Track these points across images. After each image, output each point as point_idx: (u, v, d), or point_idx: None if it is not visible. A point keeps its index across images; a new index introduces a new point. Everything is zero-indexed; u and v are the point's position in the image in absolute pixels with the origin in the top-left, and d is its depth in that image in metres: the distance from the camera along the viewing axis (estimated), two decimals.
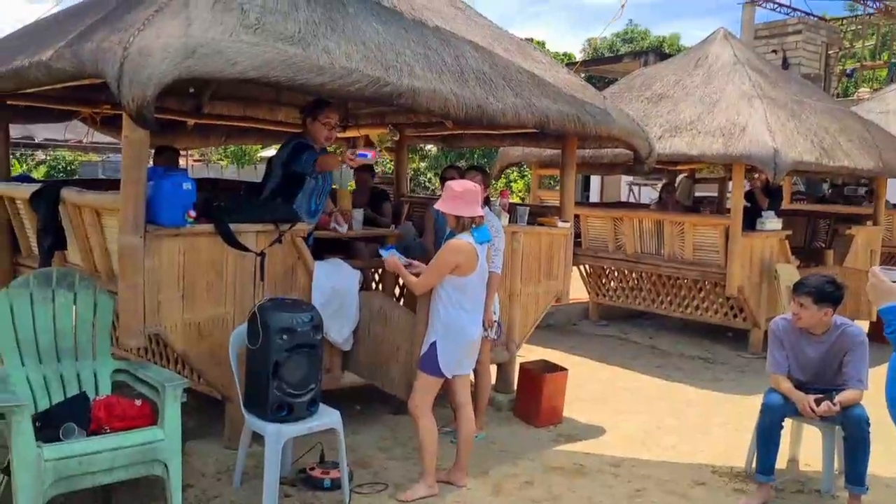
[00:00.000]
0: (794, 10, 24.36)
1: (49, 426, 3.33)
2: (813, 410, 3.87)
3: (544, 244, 5.58)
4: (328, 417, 3.80)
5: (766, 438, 4.04)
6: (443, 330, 3.87)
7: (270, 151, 28.89)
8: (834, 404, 3.83)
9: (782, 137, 6.91)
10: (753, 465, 4.45)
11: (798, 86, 8.62)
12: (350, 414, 5.00)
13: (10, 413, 3.06)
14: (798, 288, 4.01)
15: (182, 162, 23.99)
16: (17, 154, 19.70)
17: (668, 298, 8.00)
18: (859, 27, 26.66)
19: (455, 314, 3.88)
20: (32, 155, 20.53)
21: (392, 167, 8.84)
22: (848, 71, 25.00)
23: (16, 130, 16.67)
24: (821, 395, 3.86)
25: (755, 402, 5.89)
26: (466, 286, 3.91)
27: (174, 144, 6.33)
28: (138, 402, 3.65)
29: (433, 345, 3.88)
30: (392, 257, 4.01)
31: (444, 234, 5.86)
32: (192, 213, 3.78)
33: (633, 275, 8.30)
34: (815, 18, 25.33)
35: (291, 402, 3.67)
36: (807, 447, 4.61)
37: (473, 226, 3.93)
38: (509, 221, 5.28)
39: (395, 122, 6.90)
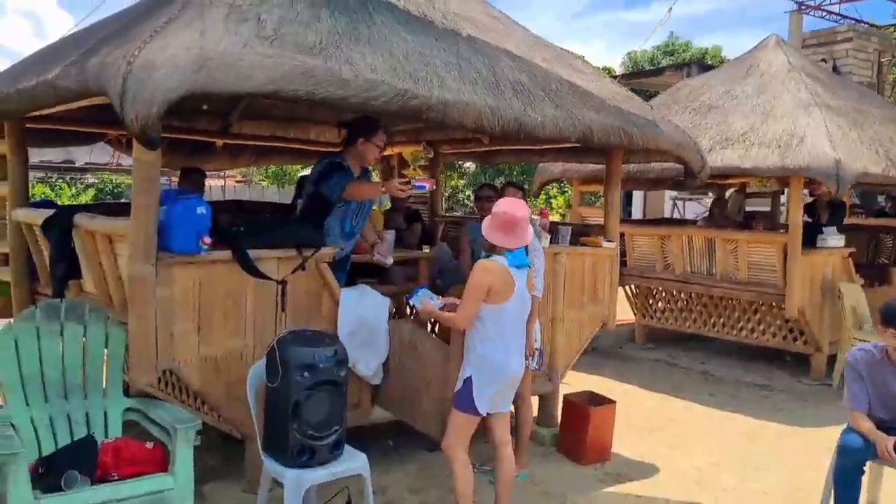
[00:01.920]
0: (844, 17, 23.60)
1: (51, 474, 3.06)
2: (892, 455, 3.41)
3: (588, 265, 5.21)
4: (354, 462, 3.47)
5: (845, 484, 3.59)
6: (478, 364, 3.53)
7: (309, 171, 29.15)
8: None
9: (844, 148, 6.43)
10: None
11: (857, 93, 8.11)
12: (381, 450, 4.68)
13: (5, 462, 2.81)
14: (888, 319, 3.57)
15: (222, 183, 24.05)
16: (68, 178, 19.93)
17: (721, 321, 7.53)
18: None
19: (491, 347, 3.53)
20: (81, 178, 20.72)
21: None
22: None
23: (56, 154, 16.87)
24: None
25: (822, 435, 5.47)
26: (503, 316, 3.56)
27: (202, 166, 6.11)
28: (149, 445, 3.38)
29: (468, 380, 3.54)
30: (425, 305, 3.66)
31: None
32: (207, 240, 3.51)
33: (683, 295, 7.84)
34: (866, 25, 24.50)
35: (313, 444, 3.36)
36: (888, 492, 4.14)
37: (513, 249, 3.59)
38: (550, 242, 4.92)
39: (429, 138, 6.61)
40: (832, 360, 6.96)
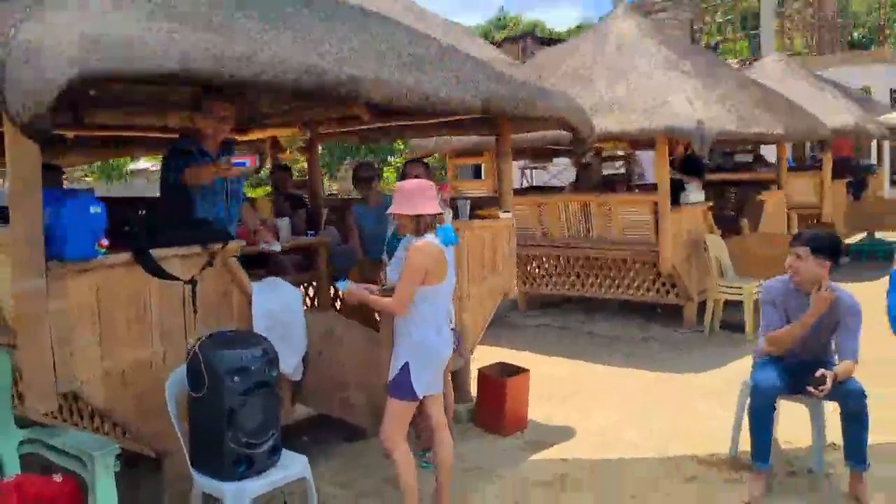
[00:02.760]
0: None
1: None
2: (817, 389, 3.63)
3: (488, 238, 5.19)
4: (294, 466, 3.26)
5: (761, 423, 3.78)
6: (414, 350, 3.40)
7: (142, 164, 27.01)
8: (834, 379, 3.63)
9: (702, 108, 6.83)
10: (738, 449, 4.28)
11: (702, 56, 8.63)
12: (299, 447, 4.45)
13: None
14: (795, 239, 3.82)
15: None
16: None
17: (598, 281, 7.82)
18: (722, 1, 27.93)
19: (427, 330, 3.41)
20: None
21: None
22: (712, 44, 26.07)
23: None
24: (823, 372, 3.64)
25: (704, 381, 5.85)
26: (437, 297, 3.46)
27: (54, 162, 5.48)
28: (58, 479, 2.99)
29: (405, 367, 3.40)
30: (353, 291, 3.48)
31: (377, 239, 5.38)
32: (105, 242, 3.12)
33: (561, 260, 8.06)
34: None
35: (251, 453, 3.11)
36: (782, 423, 4.46)
37: (440, 225, 3.49)
38: (452, 217, 4.85)
39: (305, 119, 6.29)
40: (701, 308, 7.44)
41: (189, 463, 3.17)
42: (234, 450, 3.07)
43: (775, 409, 3.86)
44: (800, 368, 3.88)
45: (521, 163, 19.45)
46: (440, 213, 3.51)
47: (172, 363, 3.44)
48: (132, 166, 26.02)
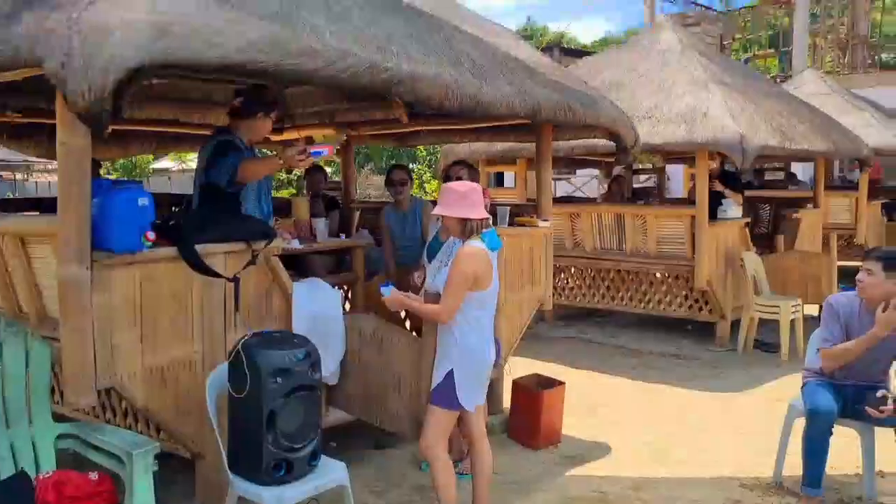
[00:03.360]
0: (693, 2, 25.09)
1: None
2: (876, 410, 3.49)
3: (525, 246, 5.09)
4: (334, 472, 3.17)
5: (817, 448, 3.65)
6: (460, 357, 3.31)
7: (165, 163, 27.06)
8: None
9: (744, 122, 6.70)
10: (782, 474, 4.15)
11: (742, 70, 8.51)
12: (327, 453, 4.36)
13: None
14: (867, 254, 3.73)
15: (26, 178, 21.93)
16: None
17: (629, 294, 7.69)
18: (748, 19, 27.72)
19: (474, 338, 3.32)
20: None
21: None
22: (743, 61, 25.89)
23: None
24: (885, 392, 3.50)
25: (740, 401, 5.71)
26: (485, 302, 3.37)
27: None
28: (94, 476, 2.91)
29: (449, 374, 3.31)
30: (396, 296, 3.40)
31: (407, 242, 5.30)
32: (151, 235, 3.05)
33: (591, 272, 7.94)
34: (712, 11, 26.16)
35: (291, 457, 3.03)
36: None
37: (484, 230, 3.40)
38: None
39: (341, 120, 6.23)
40: (734, 327, 7.29)
41: (227, 465, 3.09)
42: (274, 453, 2.98)
43: (832, 433, 3.72)
44: (852, 392, 3.75)
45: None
46: (487, 218, 3.43)
47: (211, 362, 3.37)
48: (155, 165, 26.12)
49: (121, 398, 3.41)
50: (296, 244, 4.58)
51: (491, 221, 4.61)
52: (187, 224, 3.30)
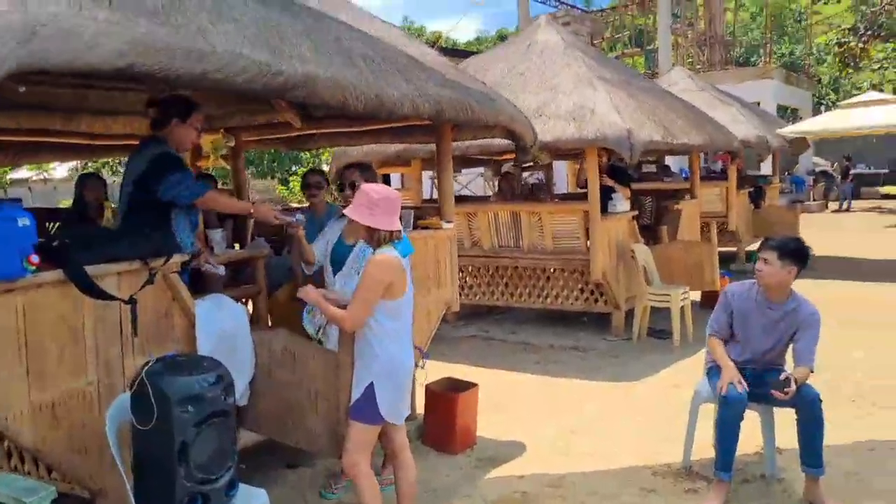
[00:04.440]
0: (562, 3, 25.88)
1: None
2: (781, 392, 3.64)
3: (431, 249, 5.02)
4: (256, 500, 2.98)
5: (730, 433, 3.77)
6: (380, 369, 3.19)
7: (22, 173, 25.07)
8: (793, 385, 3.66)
9: (629, 118, 6.92)
10: (691, 458, 4.28)
11: (620, 68, 8.80)
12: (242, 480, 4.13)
13: None
14: (763, 244, 3.87)
15: None
16: None
17: (528, 290, 7.79)
18: (616, 18, 28.93)
19: (393, 349, 3.22)
20: None
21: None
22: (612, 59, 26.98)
23: None
24: (788, 375, 3.66)
25: (640, 389, 5.88)
26: (400, 311, 3.27)
27: None
28: None
29: (369, 387, 3.19)
30: (312, 288, 3.25)
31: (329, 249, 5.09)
32: (35, 259, 2.75)
33: (490, 270, 7.99)
34: (580, 11, 27.05)
35: (206, 489, 2.81)
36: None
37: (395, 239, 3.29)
38: None
39: (229, 125, 5.94)
40: (628, 316, 7.52)
41: (132, 503, 2.83)
42: (188, 487, 2.76)
43: (743, 418, 3.85)
44: (751, 375, 3.90)
45: (431, 173, 19.47)
46: (399, 231, 3.32)
47: (108, 393, 3.10)
48: (12, 175, 24.18)
49: (4, 439, 3.07)
50: (221, 270, 4.26)
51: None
52: (74, 243, 3.01)
